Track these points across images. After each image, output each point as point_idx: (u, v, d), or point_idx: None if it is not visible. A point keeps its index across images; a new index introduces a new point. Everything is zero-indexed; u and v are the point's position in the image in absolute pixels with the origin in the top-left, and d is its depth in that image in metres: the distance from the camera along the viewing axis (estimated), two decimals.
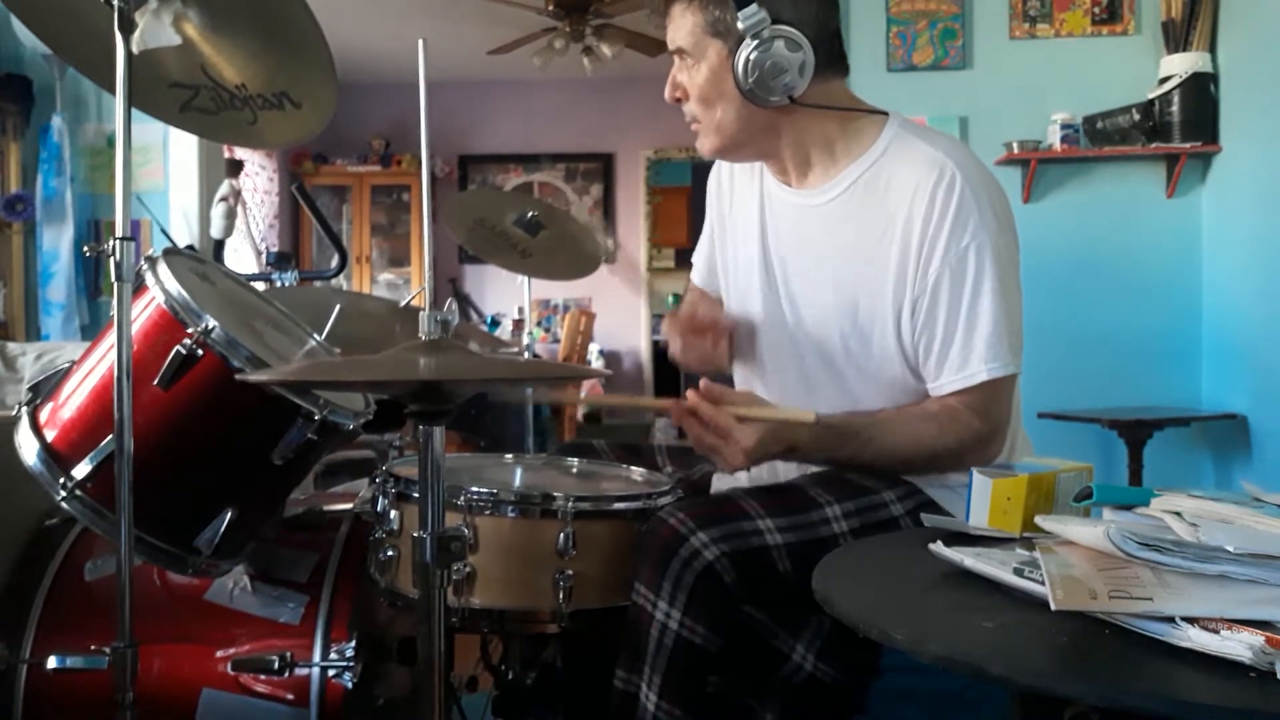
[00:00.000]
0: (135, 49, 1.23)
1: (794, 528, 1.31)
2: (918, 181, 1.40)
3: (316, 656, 1.48)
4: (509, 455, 1.77)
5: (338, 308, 1.96)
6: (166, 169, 3.80)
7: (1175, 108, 3.23)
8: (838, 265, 1.48)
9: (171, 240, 2.47)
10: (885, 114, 1.50)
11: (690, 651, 1.25)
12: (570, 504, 1.32)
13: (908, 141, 1.45)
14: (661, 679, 1.25)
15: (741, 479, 1.52)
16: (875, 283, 1.44)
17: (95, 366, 1.41)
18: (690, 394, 1.36)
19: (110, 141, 3.76)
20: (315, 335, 1.70)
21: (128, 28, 1.22)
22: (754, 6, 1.37)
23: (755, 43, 1.39)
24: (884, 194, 1.44)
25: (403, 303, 2.55)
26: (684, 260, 6.59)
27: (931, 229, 1.39)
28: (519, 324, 6.21)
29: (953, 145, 1.47)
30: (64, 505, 1.35)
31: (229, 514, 1.39)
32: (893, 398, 1.47)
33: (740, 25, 1.38)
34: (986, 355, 1.38)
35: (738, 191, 1.64)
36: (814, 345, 1.52)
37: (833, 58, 1.46)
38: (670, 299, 7.49)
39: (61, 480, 1.35)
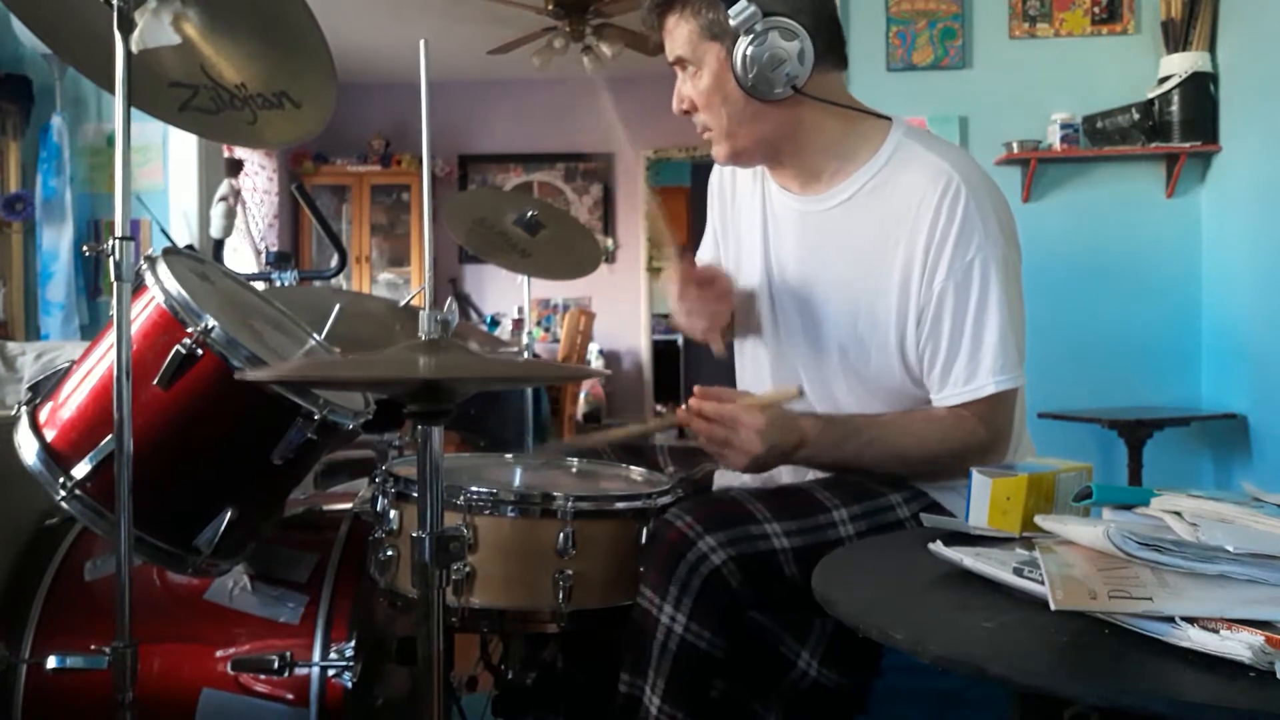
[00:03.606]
0: (135, 49, 1.23)
1: (801, 531, 1.31)
2: (923, 193, 1.40)
3: (316, 656, 1.48)
4: (509, 455, 1.77)
5: (338, 308, 1.96)
6: (166, 169, 3.80)
7: (1175, 107, 3.23)
8: (838, 272, 1.48)
9: (171, 240, 2.47)
10: (889, 119, 1.50)
11: (695, 656, 1.24)
12: (570, 504, 1.32)
13: (913, 150, 1.44)
14: (665, 683, 1.24)
15: (746, 479, 1.52)
16: (877, 292, 1.44)
17: (95, 366, 1.41)
18: (693, 399, 1.36)
19: (110, 141, 3.75)
20: (315, 335, 1.70)
21: (127, 27, 1.22)
22: (743, 2, 1.37)
23: (750, 37, 1.38)
24: (888, 203, 1.43)
25: (403, 302, 2.55)
26: None
27: (936, 242, 1.38)
28: (519, 323, 6.21)
29: (957, 155, 1.46)
30: (64, 505, 1.35)
31: (229, 514, 1.39)
32: (890, 404, 1.47)
33: (732, 23, 1.38)
34: (994, 368, 1.39)
35: (740, 194, 1.63)
36: (813, 350, 1.52)
37: (833, 44, 1.46)
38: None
39: (61, 480, 1.35)
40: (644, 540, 1.34)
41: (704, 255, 1.77)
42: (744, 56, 1.39)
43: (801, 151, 1.49)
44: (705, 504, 1.34)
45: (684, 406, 1.39)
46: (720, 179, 1.68)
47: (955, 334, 1.40)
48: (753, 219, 1.59)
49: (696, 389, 1.38)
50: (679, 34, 1.46)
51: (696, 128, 1.51)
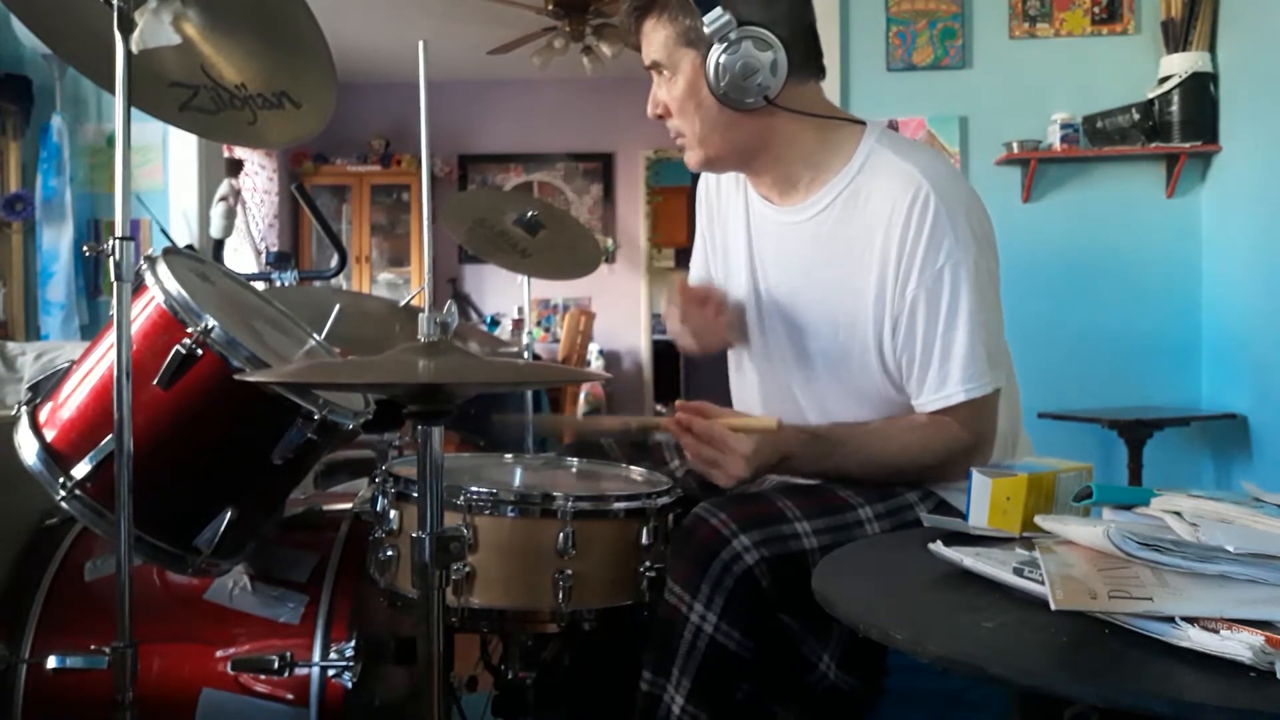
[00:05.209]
0: (135, 49, 1.23)
1: (830, 529, 1.32)
2: (893, 201, 1.40)
3: (316, 656, 1.48)
4: (509, 455, 1.77)
5: (337, 308, 1.96)
6: (166, 169, 3.80)
7: (1175, 107, 3.23)
8: (817, 283, 1.48)
9: (171, 240, 2.47)
10: (863, 124, 1.50)
11: (723, 657, 1.24)
12: (570, 504, 1.32)
13: (884, 157, 1.44)
14: (691, 683, 1.24)
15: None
16: (854, 302, 1.44)
17: (95, 366, 1.41)
18: (680, 413, 1.36)
19: (110, 141, 3.75)
20: (315, 335, 1.70)
21: (127, 27, 1.22)
22: (718, 10, 1.37)
23: (724, 46, 1.38)
24: (861, 212, 1.44)
25: (402, 303, 2.55)
26: (684, 260, 6.59)
27: (907, 250, 1.39)
28: (519, 324, 6.20)
29: (929, 159, 1.46)
30: (64, 505, 1.35)
31: (229, 514, 1.39)
32: (875, 411, 1.48)
33: (706, 30, 1.38)
34: (963, 377, 1.39)
35: (725, 203, 1.64)
36: (797, 359, 1.53)
37: (809, 55, 1.46)
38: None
39: (61, 480, 1.35)
40: (675, 535, 1.33)
41: (696, 263, 1.77)
42: (717, 65, 1.39)
43: (777, 161, 1.49)
44: (738, 501, 1.34)
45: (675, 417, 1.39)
46: (706, 189, 1.68)
47: (927, 342, 1.40)
48: (738, 230, 1.59)
49: (678, 404, 1.38)
50: (655, 39, 1.46)
51: (670, 133, 1.51)
